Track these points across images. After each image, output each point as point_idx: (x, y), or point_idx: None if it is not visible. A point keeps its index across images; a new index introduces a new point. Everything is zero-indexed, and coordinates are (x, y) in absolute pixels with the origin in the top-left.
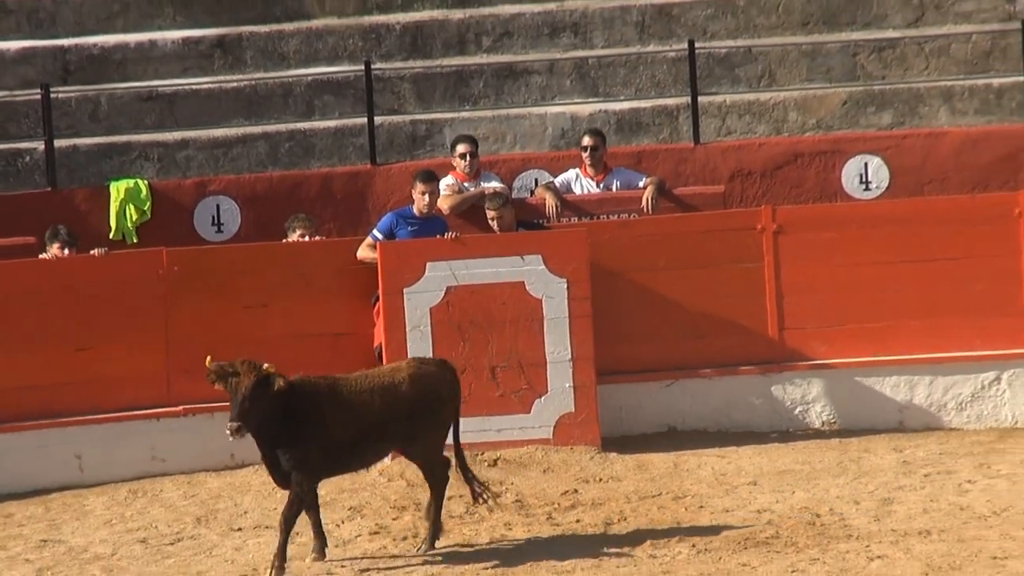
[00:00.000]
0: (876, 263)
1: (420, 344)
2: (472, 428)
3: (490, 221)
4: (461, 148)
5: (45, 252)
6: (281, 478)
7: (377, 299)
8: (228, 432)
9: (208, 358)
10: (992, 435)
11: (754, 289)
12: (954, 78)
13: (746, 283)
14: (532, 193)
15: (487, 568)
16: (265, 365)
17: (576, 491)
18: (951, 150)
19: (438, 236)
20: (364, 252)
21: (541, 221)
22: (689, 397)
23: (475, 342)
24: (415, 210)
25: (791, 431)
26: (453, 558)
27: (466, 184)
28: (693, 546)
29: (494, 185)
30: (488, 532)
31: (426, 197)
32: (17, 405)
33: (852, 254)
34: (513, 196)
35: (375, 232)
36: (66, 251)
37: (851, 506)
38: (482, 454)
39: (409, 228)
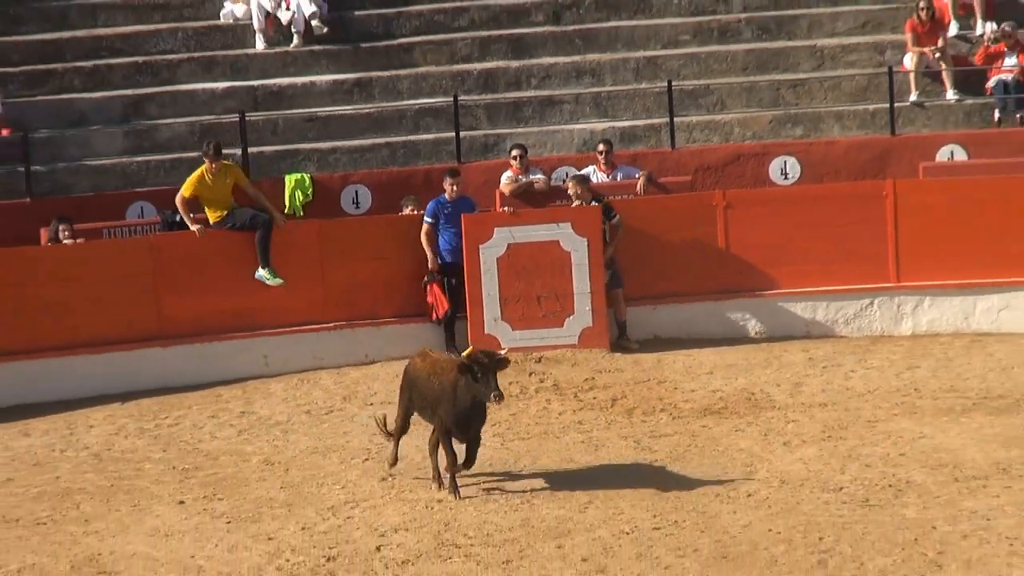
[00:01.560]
0: (794, 227)
1: (490, 281)
2: (525, 338)
3: (571, 195)
4: (515, 152)
5: None
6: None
7: (427, 281)
8: (496, 400)
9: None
10: (867, 341)
11: (712, 245)
12: (843, 105)
13: (707, 242)
14: (564, 181)
15: (535, 425)
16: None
17: (593, 378)
18: (841, 153)
19: (503, 210)
20: (423, 238)
21: (604, 197)
22: (668, 316)
23: (526, 280)
24: (447, 197)
25: (735, 339)
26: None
27: (519, 177)
28: (670, 414)
29: (540, 176)
30: (535, 406)
31: (453, 187)
32: (227, 323)
33: (777, 222)
34: (552, 183)
35: (426, 218)
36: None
37: (774, 387)
38: (531, 354)
39: (445, 211)
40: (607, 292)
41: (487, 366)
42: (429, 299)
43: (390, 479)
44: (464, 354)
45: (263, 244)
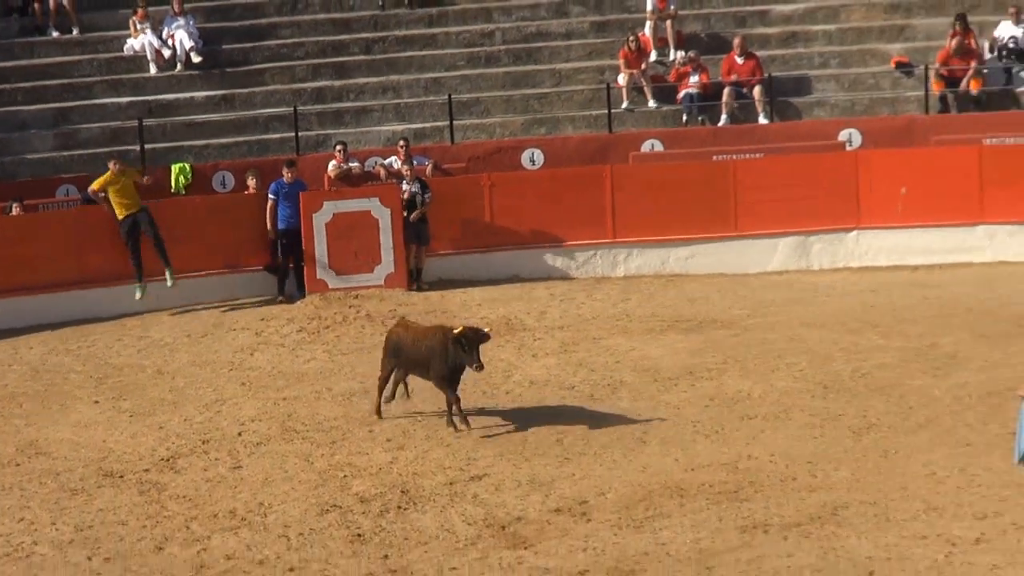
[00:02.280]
0: (539, 200)
1: (320, 240)
2: (345, 281)
3: (405, 178)
4: (338, 147)
5: None
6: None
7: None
8: (477, 369)
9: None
10: (592, 281)
11: (481, 212)
12: (575, 112)
13: (478, 210)
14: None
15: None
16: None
17: (395, 309)
18: (573, 146)
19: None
20: (268, 211)
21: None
22: (449, 264)
23: (346, 239)
24: (285, 180)
25: (498, 280)
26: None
27: (341, 165)
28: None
29: (356, 164)
30: (353, 330)
31: (289, 174)
32: (130, 272)
33: (528, 196)
34: (365, 169)
35: (269, 196)
36: None
37: (526, 315)
38: (350, 293)
39: (283, 191)
40: (416, 247)
41: (473, 341)
42: (268, 256)
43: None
44: (456, 331)
45: (161, 248)
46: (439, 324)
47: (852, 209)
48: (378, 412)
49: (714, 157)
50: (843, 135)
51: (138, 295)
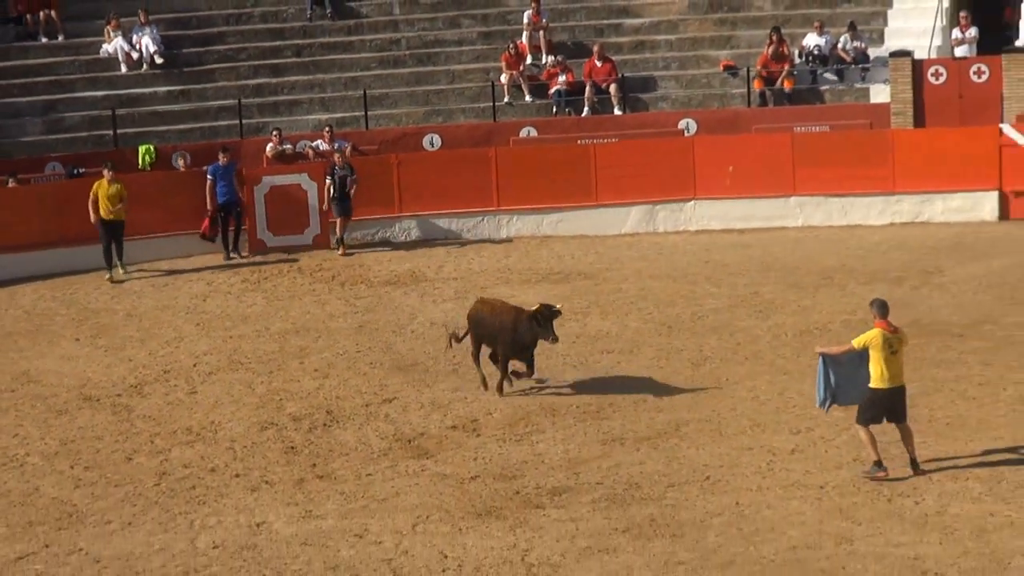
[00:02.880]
0: (437, 177)
1: (260, 208)
2: (281, 241)
3: (336, 163)
4: (274, 132)
5: None
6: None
7: (206, 214)
8: (552, 342)
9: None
10: (481, 241)
11: (391, 186)
12: (467, 104)
13: (388, 184)
14: (304, 148)
15: (287, 292)
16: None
17: (320, 265)
18: (465, 132)
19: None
20: (207, 188)
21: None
22: (366, 229)
23: (284, 208)
24: (220, 163)
25: (405, 242)
26: (273, 290)
27: (277, 147)
28: (367, 285)
29: (289, 146)
30: (287, 282)
31: (224, 157)
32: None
33: (428, 173)
34: (296, 150)
35: (208, 176)
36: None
37: (427, 269)
38: (286, 251)
39: (219, 172)
40: (343, 219)
41: (547, 317)
42: (204, 224)
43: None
44: (533, 309)
45: (119, 251)
46: (515, 304)
47: (689, 183)
48: (483, 384)
49: (578, 141)
50: (682, 124)
51: (107, 276)
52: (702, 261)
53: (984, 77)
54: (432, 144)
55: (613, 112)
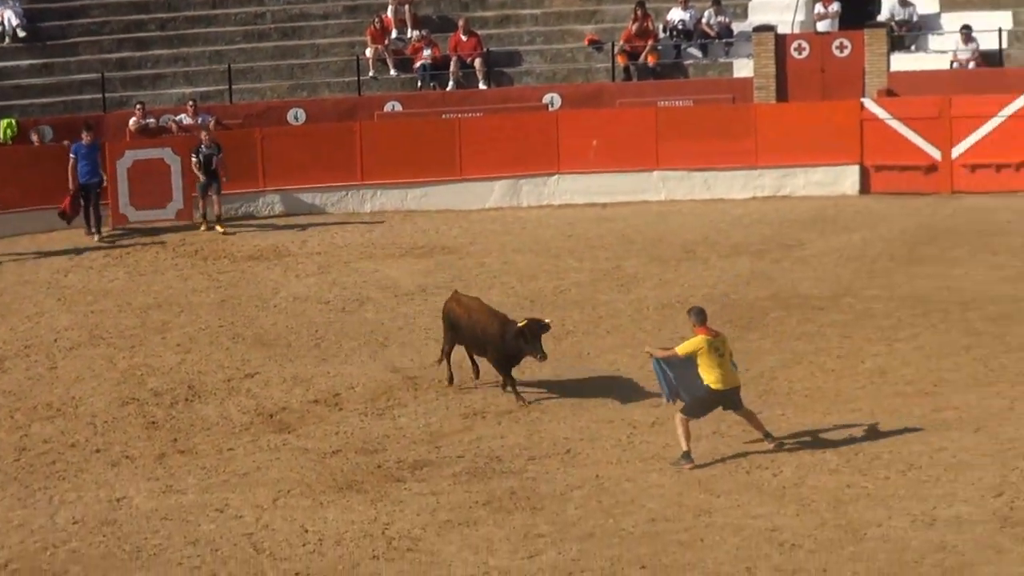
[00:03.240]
0: (302, 150)
1: (122, 182)
2: (143, 216)
3: (202, 141)
4: (138, 106)
5: None
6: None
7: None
8: (540, 359)
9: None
10: (344, 215)
11: (254, 160)
12: (332, 79)
13: (251, 158)
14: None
15: (149, 266)
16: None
17: (184, 239)
18: (330, 106)
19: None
20: (70, 167)
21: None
22: (228, 203)
23: (147, 182)
24: (84, 142)
25: (269, 215)
26: (135, 264)
27: (141, 120)
28: (230, 259)
29: (152, 120)
30: (150, 255)
31: (87, 136)
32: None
33: (292, 147)
34: (159, 124)
35: (71, 155)
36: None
37: (291, 243)
38: (148, 224)
39: (82, 151)
40: (214, 197)
41: (536, 332)
42: (65, 202)
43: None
44: (520, 325)
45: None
46: (497, 312)
47: (553, 158)
48: (450, 381)
49: (443, 116)
50: (546, 98)
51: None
52: (565, 235)
53: (846, 52)
54: (296, 118)
55: (478, 87)
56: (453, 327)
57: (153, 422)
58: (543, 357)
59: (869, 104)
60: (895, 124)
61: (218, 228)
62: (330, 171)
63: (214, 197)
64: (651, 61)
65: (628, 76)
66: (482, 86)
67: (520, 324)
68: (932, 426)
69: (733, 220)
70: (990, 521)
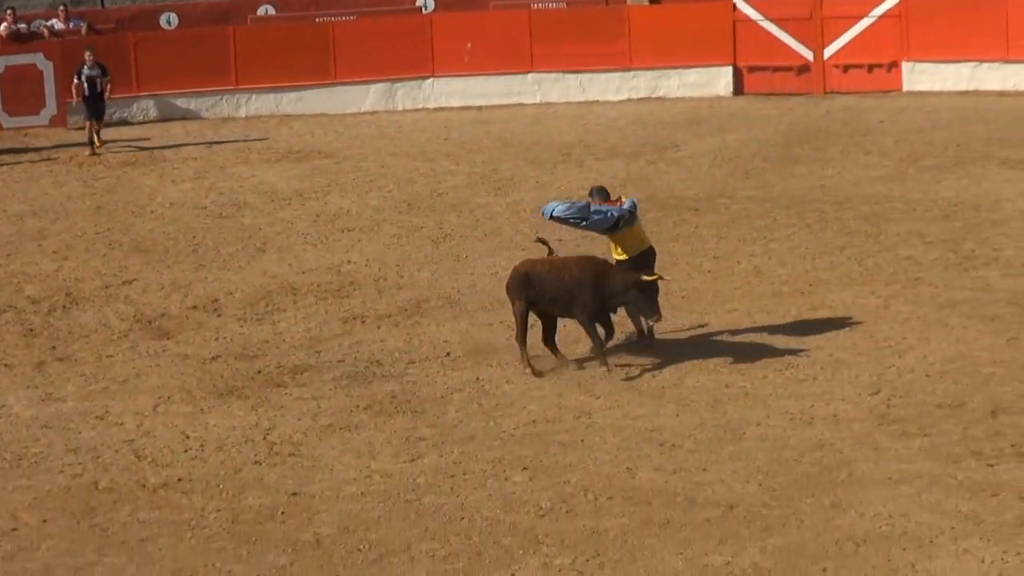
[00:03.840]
0: (175, 55)
1: None
2: (16, 122)
3: (86, 61)
4: (8, 11)
5: None
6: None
7: None
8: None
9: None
10: (219, 121)
11: (128, 62)
12: None
13: (124, 62)
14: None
15: (36, 170)
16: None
17: (60, 143)
18: (203, 11)
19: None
20: None
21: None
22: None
23: (19, 89)
24: None
25: (144, 120)
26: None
27: (11, 26)
28: (104, 165)
29: (24, 25)
30: (22, 165)
31: None
32: None
33: (166, 51)
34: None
35: None
36: None
37: (166, 151)
38: (22, 131)
39: None
40: (93, 121)
41: (654, 291)
42: None
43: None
44: (644, 277)
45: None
46: (585, 254)
47: (428, 61)
48: (531, 369)
49: (317, 19)
50: (420, 1)
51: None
52: (441, 139)
53: None
54: (169, 23)
55: None
56: (540, 286)
57: (31, 330)
58: (658, 317)
59: (741, 5)
60: (767, 25)
61: (88, 151)
62: (204, 76)
63: (91, 123)
64: None
65: None
66: None
67: (648, 278)
68: (808, 325)
69: (608, 122)
70: (867, 419)
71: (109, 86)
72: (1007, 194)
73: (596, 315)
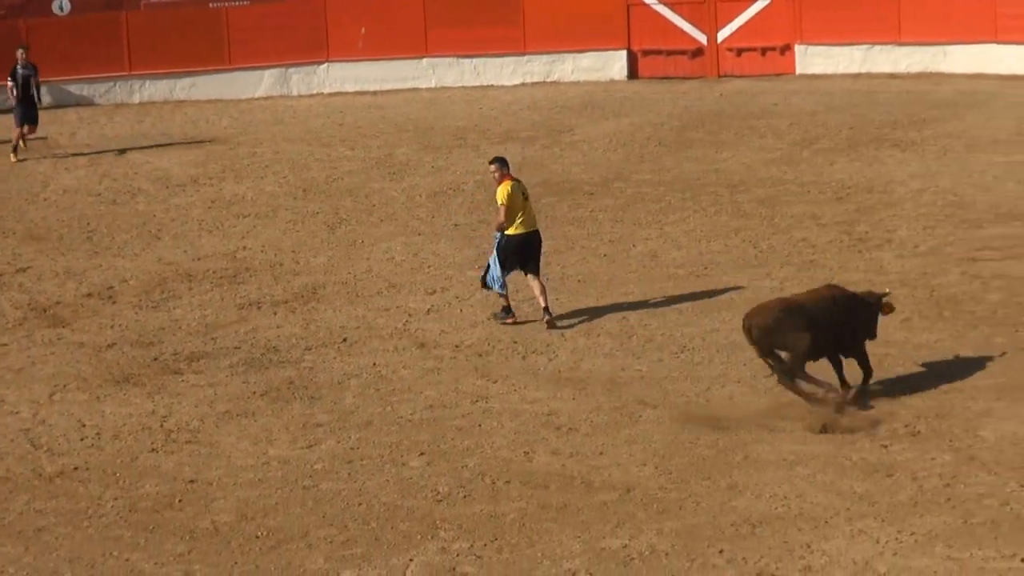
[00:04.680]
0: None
1: None
2: None
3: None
4: None
5: None
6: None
7: None
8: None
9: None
10: (113, 107)
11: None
12: None
13: None
14: None
15: None
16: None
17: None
18: None
19: None
20: None
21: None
22: None
23: None
24: None
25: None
26: None
27: None
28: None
29: None
30: None
31: None
32: None
33: (59, 43)
34: None
35: None
36: None
37: (64, 136)
38: None
39: None
40: (27, 125)
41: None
42: None
43: None
44: (881, 296)
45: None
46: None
47: (322, 46)
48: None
49: (210, 4)
50: None
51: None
52: (336, 124)
53: None
54: (62, 8)
55: None
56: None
57: None
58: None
59: None
60: (661, 9)
61: (13, 158)
62: (97, 62)
63: (24, 128)
64: None
65: None
66: None
67: (880, 295)
68: (704, 308)
69: (503, 107)
70: (762, 401)
71: (40, 87)
72: (899, 176)
73: None
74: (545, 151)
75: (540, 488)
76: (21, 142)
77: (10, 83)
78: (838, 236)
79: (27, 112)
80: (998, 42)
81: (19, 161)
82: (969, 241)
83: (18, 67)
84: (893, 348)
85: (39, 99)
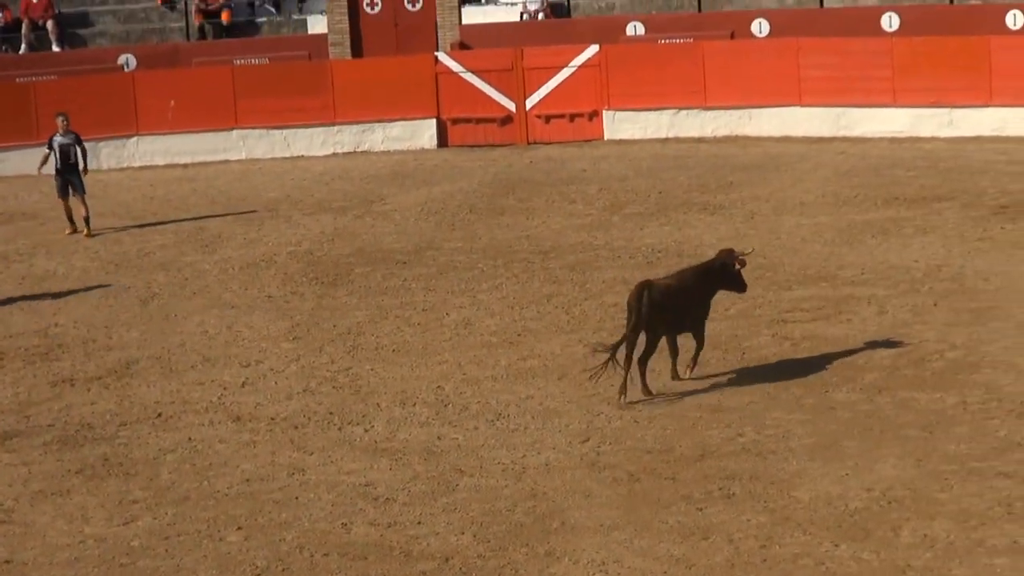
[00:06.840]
0: None
1: None
2: None
3: None
4: None
5: None
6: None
7: None
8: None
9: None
10: None
11: None
12: None
13: None
14: None
15: None
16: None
17: None
18: None
19: None
20: None
21: None
22: None
23: None
24: None
25: None
26: None
27: None
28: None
29: None
30: None
31: None
32: None
33: None
34: None
35: None
36: None
37: None
38: None
39: None
40: (78, 196)
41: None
42: None
43: None
44: (732, 255)
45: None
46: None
47: (131, 119)
48: (647, 391)
49: (17, 79)
50: (121, 59)
51: None
52: (147, 197)
53: (418, 6)
54: None
55: (52, 49)
56: (661, 309)
57: None
58: (744, 288)
59: (443, 58)
60: (469, 77)
61: (85, 232)
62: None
63: (73, 199)
64: (225, 19)
65: (203, 35)
66: (56, 48)
67: (729, 256)
68: (518, 375)
69: (314, 177)
70: (578, 467)
71: (84, 156)
72: (708, 239)
73: None
74: (357, 221)
75: (359, 560)
76: (80, 213)
77: (46, 151)
78: None
79: (72, 182)
80: (802, 105)
81: (91, 235)
82: (778, 303)
83: (57, 136)
84: (705, 411)
85: (85, 168)
